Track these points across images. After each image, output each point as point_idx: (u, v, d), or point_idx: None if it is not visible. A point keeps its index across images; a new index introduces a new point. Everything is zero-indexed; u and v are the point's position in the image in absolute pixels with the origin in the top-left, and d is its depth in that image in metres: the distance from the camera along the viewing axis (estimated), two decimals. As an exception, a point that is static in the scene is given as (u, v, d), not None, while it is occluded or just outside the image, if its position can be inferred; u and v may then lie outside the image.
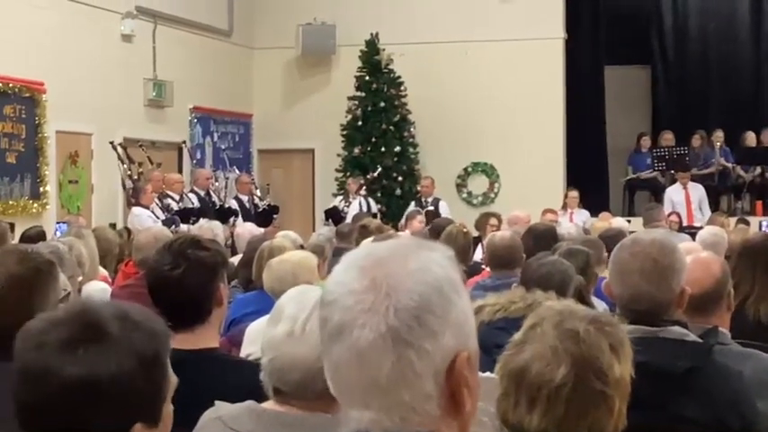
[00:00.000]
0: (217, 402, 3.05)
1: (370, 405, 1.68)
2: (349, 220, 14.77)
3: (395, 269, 1.69)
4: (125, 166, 15.65)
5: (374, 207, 17.72)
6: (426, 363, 1.67)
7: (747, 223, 15.31)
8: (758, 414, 3.38)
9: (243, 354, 5.02)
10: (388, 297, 1.66)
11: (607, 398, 2.36)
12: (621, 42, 21.75)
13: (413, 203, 17.66)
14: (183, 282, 3.71)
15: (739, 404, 3.31)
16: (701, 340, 3.56)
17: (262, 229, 12.45)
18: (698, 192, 18.18)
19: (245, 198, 17.19)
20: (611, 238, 7.27)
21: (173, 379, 2.10)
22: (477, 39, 19.35)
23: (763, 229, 14.13)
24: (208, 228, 11.42)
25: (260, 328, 4.13)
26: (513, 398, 2.39)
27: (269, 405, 2.95)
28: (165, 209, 14.99)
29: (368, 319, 1.66)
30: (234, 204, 16.83)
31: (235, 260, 8.30)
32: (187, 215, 14.98)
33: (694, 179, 18.52)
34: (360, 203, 17.44)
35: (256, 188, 17.68)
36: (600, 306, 5.10)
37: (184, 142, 17.96)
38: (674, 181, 18.75)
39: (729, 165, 19.63)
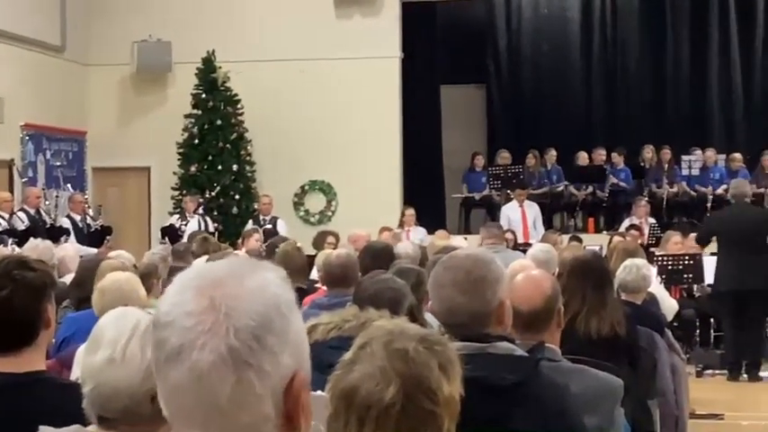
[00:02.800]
0: (41, 427, 2.96)
1: (208, 428, 1.65)
2: (186, 238, 14.63)
3: (233, 289, 1.66)
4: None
5: (211, 226, 17.57)
6: (266, 383, 1.65)
7: (580, 240, 15.64)
8: (584, 428, 3.43)
9: (73, 376, 4.91)
10: (227, 317, 1.63)
11: (436, 417, 2.36)
12: (457, 62, 22.06)
13: (250, 222, 17.58)
14: (9, 303, 3.61)
15: (566, 417, 3.35)
16: (528, 355, 3.60)
17: (88, 249, 12.27)
18: (533, 210, 18.50)
19: (77, 217, 16.86)
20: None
21: None
22: (314, 57, 19.39)
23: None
24: (44, 247, 11.18)
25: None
26: (343, 418, 2.37)
27: (94, 429, 2.87)
28: (-6, 228, 14.64)
29: (207, 340, 1.62)
30: (66, 223, 16.50)
31: (65, 280, 8.16)
32: (16, 235, 14.64)
33: (529, 197, 18.83)
34: (198, 222, 17.29)
35: (89, 207, 17.36)
36: (434, 324, 5.12)
37: (12, 160, 17.56)
38: (509, 199, 19.04)
39: (562, 185, 20.06)
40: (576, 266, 6.51)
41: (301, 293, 7.47)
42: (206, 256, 8.30)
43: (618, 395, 4.06)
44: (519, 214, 18.27)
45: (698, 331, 14.59)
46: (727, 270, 13.02)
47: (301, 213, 19.98)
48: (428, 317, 5.40)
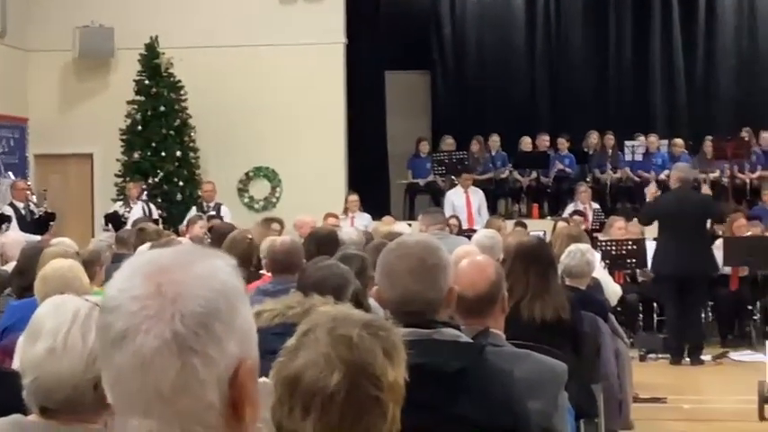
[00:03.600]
0: (-22, 416, 2.93)
1: (151, 414, 1.64)
2: (130, 225, 14.54)
3: (181, 276, 1.65)
4: None
5: (155, 212, 17.47)
6: (211, 370, 1.64)
7: (524, 226, 15.67)
8: (529, 413, 3.44)
9: (15, 365, 4.86)
10: (173, 303, 1.62)
11: (381, 403, 2.35)
12: (402, 48, 22.03)
13: (194, 208, 17.50)
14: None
15: (511, 403, 3.36)
16: (473, 341, 3.60)
17: (31, 237, 12.16)
18: (478, 196, 18.55)
19: (20, 204, 16.69)
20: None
21: None
22: (258, 43, 19.33)
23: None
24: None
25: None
26: (287, 405, 2.36)
27: (35, 418, 2.84)
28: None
29: (152, 325, 1.61)
30: (8, 211, 16.35)
31: (7, 268, 8.10)
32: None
33: (474, 183, 18.88)
34: (142, 208, 17.19)
35: (32, 194, 17.20)
36: (378, 310, 5.12)
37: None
38: (453, 185, 19.08)
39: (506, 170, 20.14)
40: (521, 252, 6.55)
41: (246, 281, 7.44)
42: (147, 244, 8.24)
43: (562, 380, 4.07)
44: (463, 200, 18.32)
45: (641, 316, 14.72)
46: (668, 255, 13.13)
47: (246, 200, 19.92)
48: (372, 303, 5.40)
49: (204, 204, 17.75)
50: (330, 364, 2.34)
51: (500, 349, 3.95)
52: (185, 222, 14.84)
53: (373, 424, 2.35)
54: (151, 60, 19.06)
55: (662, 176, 19.03)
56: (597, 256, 10.64)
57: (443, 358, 3.32)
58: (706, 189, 18.18)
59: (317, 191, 18.54)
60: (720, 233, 15.21)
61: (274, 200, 19.93)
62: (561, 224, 13.93)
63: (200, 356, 1.63)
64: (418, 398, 2.62)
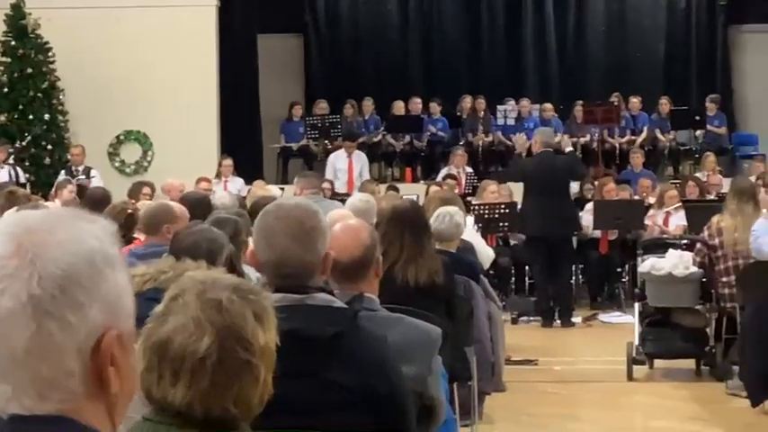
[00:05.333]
0: None
1: (6, 379, 1.60)
2: (-4, 189, 14.24)
3: (44, 237, 1.61)
4: None
5: (22, 176, 17.13)
6: (69, 336, 1.59)
7: (397, 190, 15.75)
8: (403, 378, 3.43)
9: None
10: (32, 264, 1.58)
11: (253, 367, 2.32)
12: (275, 11, 21.85)
13: (63, 172, 17.21)
14: None
15: (385, 368, 3.35)
16: (347, 306, 3.58)
17: None
18: (361, 159, 18.52)
19: None
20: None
21: None
22: (128, 5, 18.98)
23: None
24: None
25: None
26: (156, 371, 2.31)
27: None
28: None
29: (8, 284, 1.57)
30: None
31: None
32: None
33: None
34: (8, 172, 16.84)
35: None
36: (252, 274, 5.07)
37: None
38: (328, 150, 19.06)
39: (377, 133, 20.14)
40: (395, 215, 6.55)
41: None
42: (14, 208, 8.05)
43: (436, 343, 4.07)
44: (346, 164, 18.30)
45: (513, 279, 14.89)
46: (534, 217, 13.31)
47: (117, 164, 19.62)
48: (246, 269, 5.36)
49: (73, 168, 17.47)
50: (200, 328, 2.30)
51: (374, 314, 3.93)
52: (54, 187, 14.60)
53: (245, 389, 2.32)
54: (17, 21, 18.63)
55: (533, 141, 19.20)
56: (470, 219, 10.70)
57: (317, 324, 3.30)
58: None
59: (189, 155, 18.35)
60: (590, 197, 15.46)
61: (146, 164, 19.66)
62: (434, 188, 14.00)
63: (56, 320, 1.59)
64: (292, 364, 2.60)
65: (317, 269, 3.48)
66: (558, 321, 13.31)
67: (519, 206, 13.89)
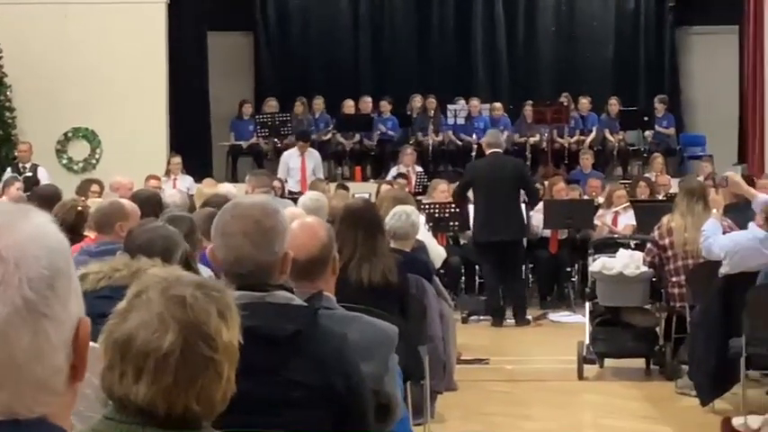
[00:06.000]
0: None
1: (4, 385, 1.57)
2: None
3: (16, 237, 1.58)
4: None
5: (-31, 174, 16.99)
6: (61, 332, 1.60)
7: (347, 189, 15.73)
8: (362, 375, 3.43)
9: None
10: (17, 268, 1.55)
11: (216, 364, 2.30)
12: (225, 8, 21.79)
13: (9, 170, 17.06)
14: None
15: (344, 366, 3.36)
16: (306, 304, 3.57)
17: None
18: (314, 158, 18.45)
19: None
20: (220, 205, 7.24)
21: None
22: (77, 1, 18.84)
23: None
24: None
25: None
26: (118, 368, 2.28)
27: None
28: None
29: (1, 292, 1.55)
30: None
31: None
32: None
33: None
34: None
35: None
36: (205, 273, 5.05)
37: None
38: (278, 148, 19.02)
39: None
40: (348, 214, 6.55)
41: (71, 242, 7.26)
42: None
43: (393, 342, 4.07)
44: (299, 163, 18.23)
45: (463, 278, 14.91)
46: (484, 222, 13.29)
47: (64, 161, 19.47)
48: (201, 267, 5.33)
49: (20, 165, 17.32)
50: (164, 325, 2.28)
51: (333, 312, 3.93)
52: (1, 184, 14.45)
53: (208, 385, 2.30)
54: (-37, 16, 18.48)
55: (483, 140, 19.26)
56: (422, 218, 10.71)
57: (277, 322, 3.29)
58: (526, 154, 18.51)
59: (137, 152, 18.25)
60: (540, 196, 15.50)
61: (94, 161, 19.52)
62: (385, 187, 13.99)
63: (50, 320, 1.58)
64: (252, 361, 2.58)
65: (274, 269, 3.47)
66: (513, 320, 13.31)
67: (471, 207, 13.85)
